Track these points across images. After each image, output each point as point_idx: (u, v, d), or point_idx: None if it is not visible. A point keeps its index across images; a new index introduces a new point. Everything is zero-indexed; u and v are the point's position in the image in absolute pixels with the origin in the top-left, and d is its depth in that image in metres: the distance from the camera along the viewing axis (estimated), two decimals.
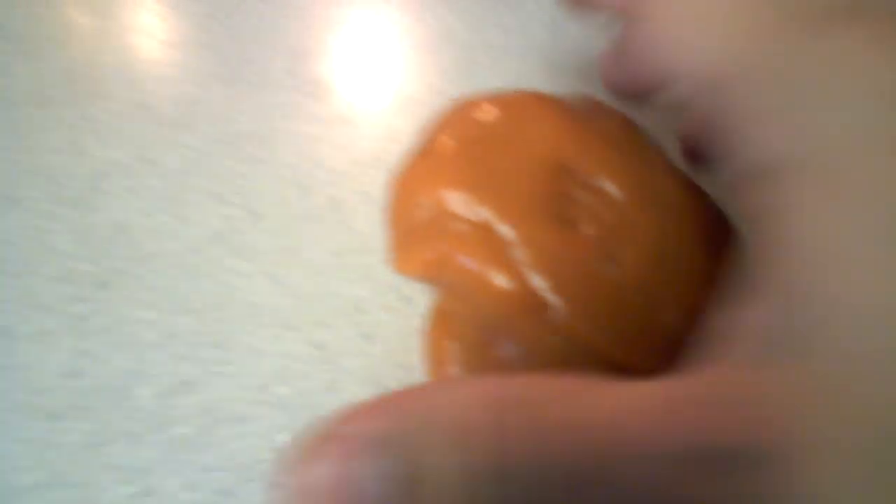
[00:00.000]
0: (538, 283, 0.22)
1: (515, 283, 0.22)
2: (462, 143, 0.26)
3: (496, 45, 0.50)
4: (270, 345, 0.37)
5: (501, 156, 0.25)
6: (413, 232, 0.26)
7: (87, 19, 0.50)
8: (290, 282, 0.39)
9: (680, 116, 0.26)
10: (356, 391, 0.36)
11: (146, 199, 0.42)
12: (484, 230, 0.23)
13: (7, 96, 0.46)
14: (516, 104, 0.27)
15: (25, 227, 0.41)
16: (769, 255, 0.17)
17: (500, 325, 0.23)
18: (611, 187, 0.22)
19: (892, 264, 0.14)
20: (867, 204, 0.14)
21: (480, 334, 0.24)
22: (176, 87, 0.47)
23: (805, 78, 0.17)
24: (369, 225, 0.41)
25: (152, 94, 0.46)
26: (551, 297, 0.21)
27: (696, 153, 0.24)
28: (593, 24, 0.47)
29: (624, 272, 0.21)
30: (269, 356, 0.37)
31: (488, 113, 0.27)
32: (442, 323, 0.26)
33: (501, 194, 0.24)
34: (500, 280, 0.22)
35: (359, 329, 0.38)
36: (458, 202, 0.24)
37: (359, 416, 0.15)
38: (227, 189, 0.42)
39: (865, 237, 0.14)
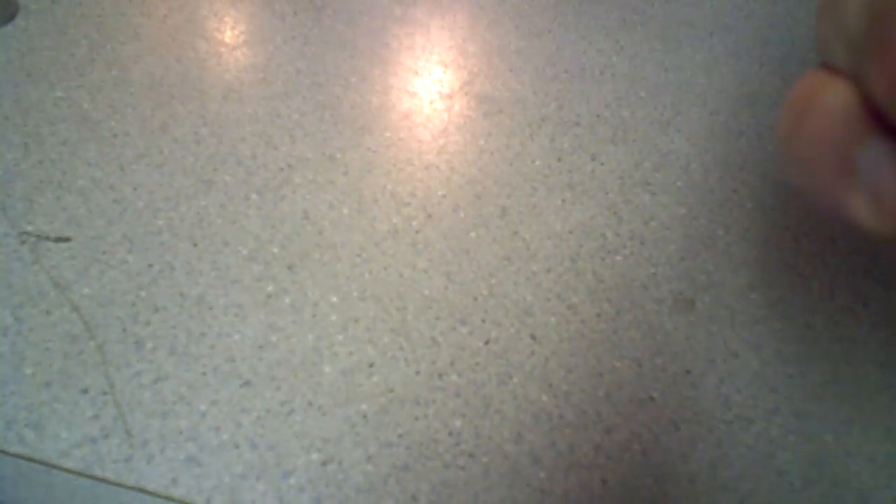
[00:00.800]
0: None
1: None
2: None
3: (654, 81, 0.52)
4: (445, 336, 0.39)
5: None
6: None
7: (278, 26, 0.54)
8: (463, 280, 0.42)
9: None
10: (526, 386, 0.38)
11: (330, 193, 0.45)
12: None
13: (202, 89, 0.50)
14: None
15: (221, 208, 0.44)
16: None
17: None
18: None
19: None
20: None
21: None
22: (358, 94, 0.50)
23: None
24: (534, 235, 0.43)
25: (337, 99, 0.50)
26: None
27: None
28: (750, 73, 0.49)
29: None
30: (444, 347, 0.39)
31: None
32: None
33: None
34: None
35: (526, 329, 0.40)
36: None
37: None
38: (405, 190, 0.45)
39: None
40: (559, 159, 0.46)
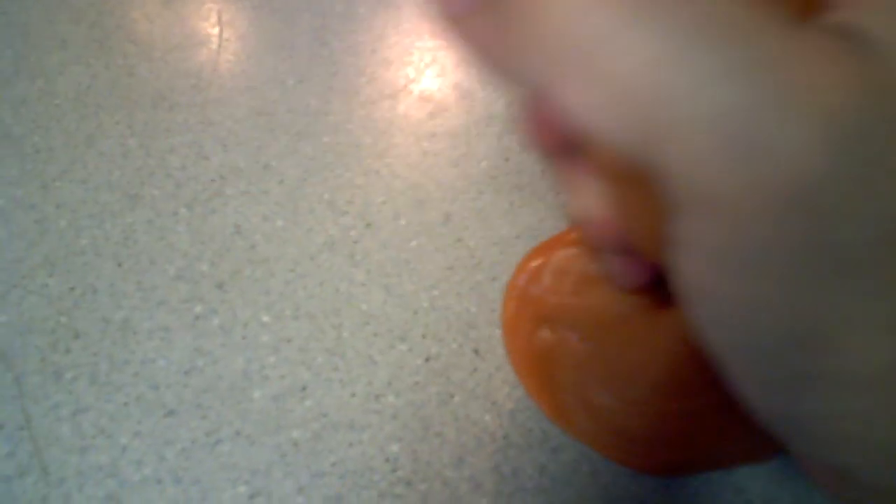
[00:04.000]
0: None
1: None
2: None
3: None
4: (383, 355, 0.37)
5: None
6: None
7: (212, 28, 0.52)
8: (402, 292, 0.39)
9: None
10: (468, 405, 0.36)
11: (263, 204, 0.42)
12: None
13: (131, 97, 0.47)
14: None
15: (148, 224, 0.42)
16: None
17: None
18: None
19: None
20: None
21: None
22: (296, 98, 0.48)
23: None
24: (479, 241, 0.41)
25: (273, 104, 0.47)
26: None
27: None
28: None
29: None
30: (381, 366, 0.37)
31: None
32: None
33: None
34: None
35: (470, 344, 0.38)
36: None
37: None
38: (343, 198, 0.43)
39: None
40: (507, 159, 0.44)
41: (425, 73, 0.49)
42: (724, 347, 0.16)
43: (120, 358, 0.37)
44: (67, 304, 0.38)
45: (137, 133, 0.45)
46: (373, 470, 0.34)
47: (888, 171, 0.13)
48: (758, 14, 0.13)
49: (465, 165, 0.44)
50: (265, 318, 0.38)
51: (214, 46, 0.50)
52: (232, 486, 0.33)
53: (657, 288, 0.30)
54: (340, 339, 0.37)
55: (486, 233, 0.41)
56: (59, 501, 0.33)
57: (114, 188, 0.43)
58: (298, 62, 0.49)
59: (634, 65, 0.13)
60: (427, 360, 0.37)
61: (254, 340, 0.37)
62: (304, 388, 0.36)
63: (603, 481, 0.34)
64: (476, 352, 0.37)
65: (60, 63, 0.49)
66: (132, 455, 0.34)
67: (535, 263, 0.38)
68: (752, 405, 0.17)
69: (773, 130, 0.12)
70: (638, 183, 0.22)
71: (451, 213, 0.42)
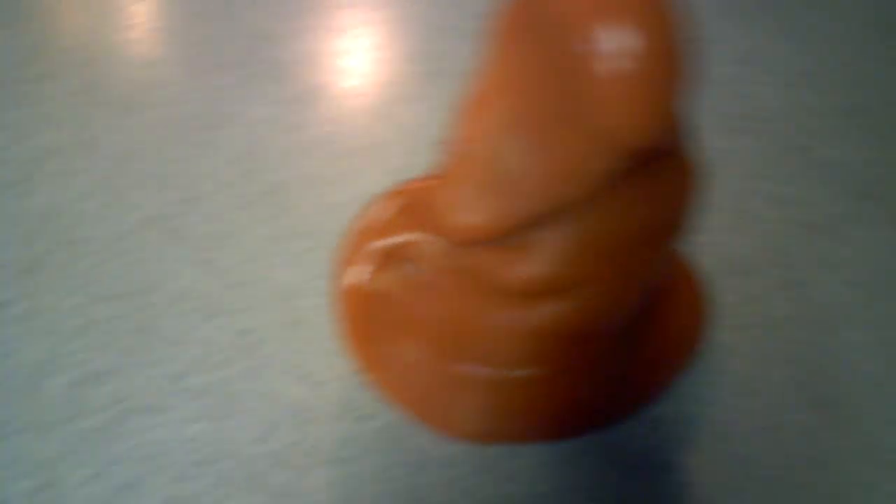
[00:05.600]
0: None
1: None
2: None
3: (464, 31, 0.47)
4: (193, 332, 0.35)
5: None
6: None
7: None
8: (221, 267, 0.37)
9: None
10: (276, 379, 0.34)
11: (83, 184, 0.40)
12: None
13: None
14: None
15: None
16: None
17: None
18: None
19: None
20: None
21: None
22: (130, 69, 0.45)
23: None
24: (312, 207, 0.39)
25: (105, 76, 0.45)
26: None
27: None
28: None
29: None
30: (190, 344, 0.35)
31: None
32: None
33: None
34: None
35: (288, 314, 0.36)
36: None
37: None
38: (170, 172, 0.41)
39: None
40: (345, 123, 0.41)
41: (267, 40, 0.46)
42: None
43: None
44: None
45: None
46: (171, 452, 0.32)
47: None
48: None
49: (303, 131, 0.42)
50: (72, 302, 0.36)
51: (46, 18, 0.48)
52: (19, 480, 0.32)
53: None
54: (149, 320, 0.35)
55: (318, 199, 0.39)
56: None
57: None
58: (133, 32, 0.47)
59: None
60: (240, 334, 0.35)
61: (57, 326, 0.36)
62: (102, 374, 0.34)
63: (408, 446, 0.32)
64: (295, 322, 0.35)
65: None
66: None
67: (383, 202, 0.35)
68: None
69: None
70: None
71: (283, 181, 0.40)
